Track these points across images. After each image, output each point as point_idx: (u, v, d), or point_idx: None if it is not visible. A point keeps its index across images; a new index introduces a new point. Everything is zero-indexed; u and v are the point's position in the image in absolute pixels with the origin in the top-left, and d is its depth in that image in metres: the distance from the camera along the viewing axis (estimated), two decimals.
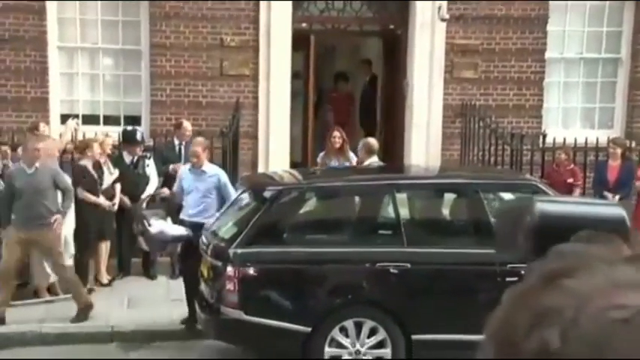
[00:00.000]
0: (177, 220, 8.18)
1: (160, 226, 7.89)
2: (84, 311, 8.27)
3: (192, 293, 7.66)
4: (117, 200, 9.49)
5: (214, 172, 8.29)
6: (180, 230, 7.93)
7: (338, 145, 9.77)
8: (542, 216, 0.95)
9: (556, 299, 0.79)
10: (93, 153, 9.26)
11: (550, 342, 0.76)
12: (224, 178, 8.28)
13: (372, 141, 9.67)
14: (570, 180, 10.26)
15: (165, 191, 9.32)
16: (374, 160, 9.43)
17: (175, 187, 8.70)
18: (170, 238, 8.05)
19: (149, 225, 7.82)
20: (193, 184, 8.19)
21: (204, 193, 8.16)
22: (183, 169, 8.64)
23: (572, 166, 10.52)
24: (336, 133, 9.84)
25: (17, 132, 10.35)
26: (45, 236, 8.19)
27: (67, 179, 8.62)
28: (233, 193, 8.04)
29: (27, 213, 8.19)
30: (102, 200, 9.26)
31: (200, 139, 8.62)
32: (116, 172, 9.54)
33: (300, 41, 11.63)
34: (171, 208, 8.53)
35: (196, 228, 7.72)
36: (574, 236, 0.93)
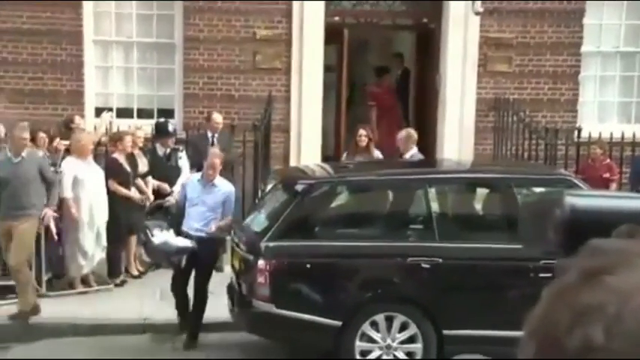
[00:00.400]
0: (179, 232, 7.78)
1: (163, 237, 7.61)
2: (26, 314, 8.02)
3: (183, 308, 7.78)
4: (150, 193, 9.56)
5: (227, 188, 7.82)
6: (185, 242, 7.59)
7: (364, 144, 9.76)
8: (572, 210, 0.94)
9: (597, 296, 0.78)
10: (124, 146, 9.34)
11: (594, 339, 0.76)
12: (233, 196, 7.87)
13: (413, 131, 9.80)
14: (606, 175, 10.13)
15: (172, 200, 9.29)
16: (415, 152, 9.47)
17: (178, 196, 8.42)
18: (174, 249, 7.63)
19: (152, 235, 7.60)
20: (201, 196, 7.67)
21: (212, 208, 7.67)
22: (191, 179, 8.21)
23: (607, 160, 10.39)
24: (362, 132, 9.86)
25: (53, 125, 10.49)
26: (20, 226, 8.03)
27: (52, 171, 8.51)
28: (232, 211, 7.84)
29: (10, 203, 8.10)
30: (133, 193, 9.33)
31: (217, 150, 8.24)
32: (146, 166, 9.60)
33: (332, 35, 11.61)
34: (175, 218, 8.17)
35: (200, 241, 7.52)
36: (615, 231, 0.91)
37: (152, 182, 9.67)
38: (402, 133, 9.79)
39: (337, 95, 12.36)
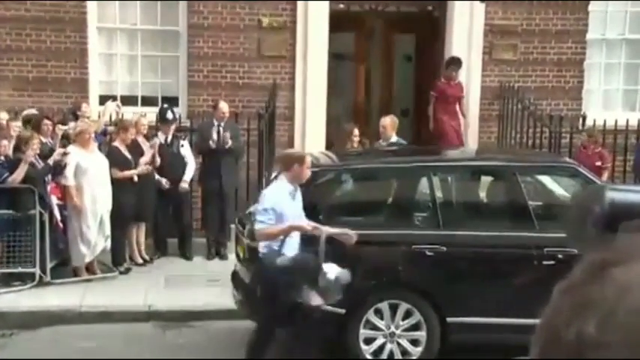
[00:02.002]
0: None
1: (332, 269, 6.11)
2: None
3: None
4: (148, 158, 9.47)
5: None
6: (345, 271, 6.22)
7: (355, 145, 9.81)
8: (611, 204, 0.93)
9: (599, 290, 0.78)
10: (125, 135, 9.35)
11: (587, 332, 0.75)
12: None
13: (396, 118, 9.93)
14: (598, 163, 10.06)
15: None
16: (397, 138, 9.53)
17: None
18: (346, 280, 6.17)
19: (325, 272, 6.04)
20: (291, 207, 6.27)
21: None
22: (276, 191, 6.32)
23: (599, 149, 10.32)
24: (356, 131, 9.94)
25: (57, 113, 10.49)
26: None
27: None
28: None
29: None
30: (132, 171, 9.28)
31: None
32: (150, 152, 9.58)
33: (338, 22, 11.58)
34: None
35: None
36: (622, 225, 0.91)
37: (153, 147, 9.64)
38: (387, 120, 9.79)
39: (347, 83, 12.30)
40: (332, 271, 6.04)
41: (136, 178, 9.34)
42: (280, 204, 6.12)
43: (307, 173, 6.33)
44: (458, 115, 11.39)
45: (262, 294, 6.27)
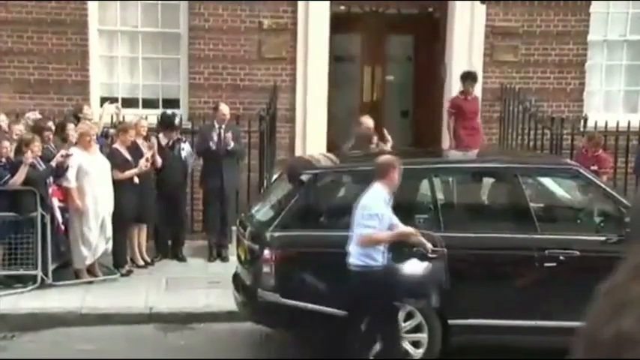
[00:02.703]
0: None
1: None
2: None
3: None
4: (149, 156, 9.44)
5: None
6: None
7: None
8: None
9: (639, 289, 0.77)
10: (125, 137, 9.35)
11: (624, 329, 0.75)
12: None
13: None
14: (594, 167, 9.78)
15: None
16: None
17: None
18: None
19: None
20: (389, 214, 6.28)
21: None
22: (377, 194, 6.23)
23: (599, 152, 10.12)
24: (375, 139, 9.77)
25: (58, 115, 10.49)
26: None
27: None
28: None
29: None
30: (133, 171, 9.26)
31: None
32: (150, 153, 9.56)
33: (339, 24, 11.58)
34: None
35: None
36: None
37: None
38: (370, 123, 9.57)
39: (348, 85, 12.29)
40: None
41: (136, 180, 9.34)
42: (383, 212, 6.14)
43: (398, 178, 6.33)
44: (478, 131, 11.08)
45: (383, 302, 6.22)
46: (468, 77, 11.15)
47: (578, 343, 0.83)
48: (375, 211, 6.08)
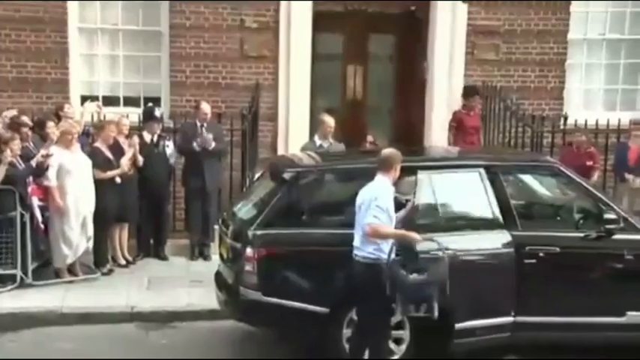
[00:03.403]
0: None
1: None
2: None
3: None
4: (129, 157, 9.43)
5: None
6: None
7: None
8: None
9: None
10: (107, 135, 9.32)
11: None
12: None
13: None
14: (589, 163, 10.18)
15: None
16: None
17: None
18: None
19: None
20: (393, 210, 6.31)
21: None
22: (385, 188, 6.29)
23: (591, 148, 10.44)
24: (370, 138, 9.81)
25: (37, 113, 10.42)
26: None
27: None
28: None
29: None
30: (115, 172, 9.24)
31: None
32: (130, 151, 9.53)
33: (322, 23, 11.57)
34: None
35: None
36: None
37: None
38: (332, 121, 9.64)
39: (331, 84, 12.29)
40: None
41: (118, 180, 9.29)
42: (390, 205, 6.13)
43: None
44: (479, 146, 10.96)
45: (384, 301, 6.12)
46: (472, 92, 11.15)
47: None
48: (385, 205, 6.08)
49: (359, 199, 6.29)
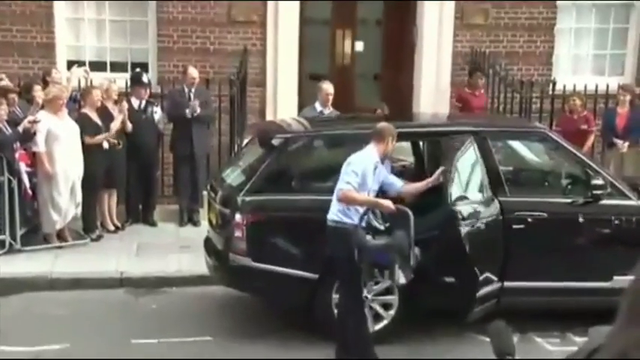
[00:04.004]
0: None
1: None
2: None
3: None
4: (118, 123, 9.35)
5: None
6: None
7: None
8: None
9: None
10: (93, 100, 9.25)
11: None
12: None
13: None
14: (584, 126, 10.22)
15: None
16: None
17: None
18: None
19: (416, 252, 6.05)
20: (372, 179, 6.20)
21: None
22: (367, 155, 6.23)
23: (585, 112, 10.46)
24: (379, 111, 9.59)
25: (24, 78, 10.32)
26: None
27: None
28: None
29: None
30: (104, 134, 9.19)
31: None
32: (120, 117, 9.46)
33: None
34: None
35: None
36: None
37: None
38: (330, 88, 9.51)
39: (321, 49, 12.21)
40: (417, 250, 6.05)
41: (106, 145, 9.25)
42: (366, 172, 6.07)
43: (392, 147, 6.36)
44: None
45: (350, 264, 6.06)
46: (476, 69, 11.01)
47: (624, 301, 0.85)
48: (357, 169, 6.03)
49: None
